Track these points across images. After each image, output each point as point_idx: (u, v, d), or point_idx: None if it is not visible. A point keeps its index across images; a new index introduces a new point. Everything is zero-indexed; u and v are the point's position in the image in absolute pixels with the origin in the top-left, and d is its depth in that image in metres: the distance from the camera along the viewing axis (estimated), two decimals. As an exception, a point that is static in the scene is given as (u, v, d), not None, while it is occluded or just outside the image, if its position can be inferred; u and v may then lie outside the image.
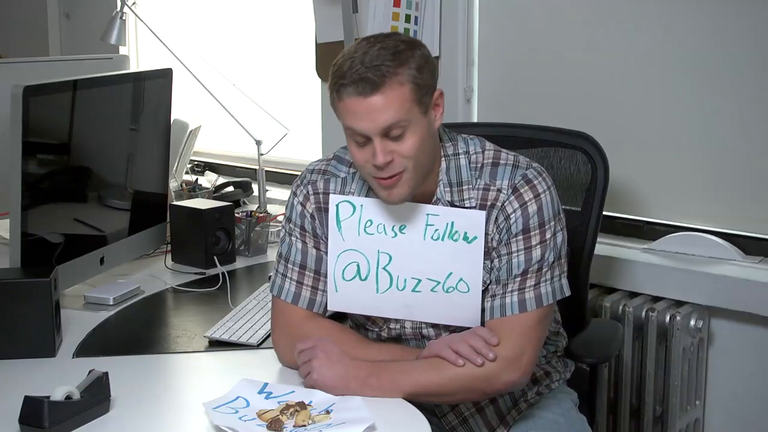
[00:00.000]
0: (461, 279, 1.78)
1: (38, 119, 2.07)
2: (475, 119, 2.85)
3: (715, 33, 2.42)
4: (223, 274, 2.45)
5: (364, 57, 1.67)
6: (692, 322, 2.41)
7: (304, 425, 1.61)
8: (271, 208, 3.03)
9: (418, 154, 1.71)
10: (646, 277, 2.47)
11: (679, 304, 2.45)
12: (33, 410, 1.58)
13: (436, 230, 1.79)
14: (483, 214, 1.77)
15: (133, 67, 3.57)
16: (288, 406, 1.66)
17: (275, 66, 3.51)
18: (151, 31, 3.09)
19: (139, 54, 3.95)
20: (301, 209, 1.88)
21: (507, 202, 1.76)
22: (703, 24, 2.43)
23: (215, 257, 2.53)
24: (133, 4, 3.18)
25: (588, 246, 2.20)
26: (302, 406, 1.66)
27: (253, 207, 3.03)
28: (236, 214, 2.67)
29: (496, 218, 1.77)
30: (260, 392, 1.73)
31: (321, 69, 3.08)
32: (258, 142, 3.01)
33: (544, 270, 1.76)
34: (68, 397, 1.62)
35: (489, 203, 1.77)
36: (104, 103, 2.36)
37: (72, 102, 2.22)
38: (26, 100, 2.01)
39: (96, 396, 1.66)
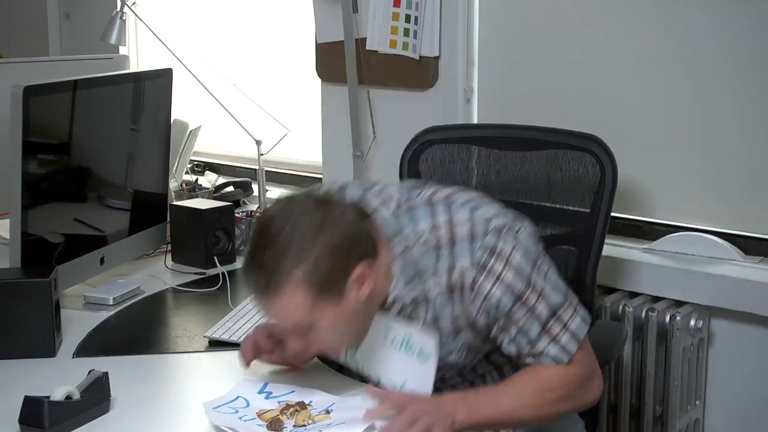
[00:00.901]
0: (414, 391, 1.68)
1: (38, 119, 2.07)
2: (475, 119, 2.85)
3: (715, 33, 2.42)
4: (223, 274, 2.45)
5: (258, 249, 1.55)
6: (692, 322, 2.41)
7: (304, 425, 1.61)
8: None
9: (337, 339, 1.64)
10: (646, 277, 2.47)
11: (679, 304, 2.45)
12: (33, 410, 1.58)
13: (395, 337, 1.69)
14: (436, 339, 1.65)
15: (133, 67, 3.57)
16: (288, 406, 1.66)
17: (275, 66, 3.51)
18: (151, 31, 3.09)
19: (139, 54, 3.94)
20: None
21: (479, 282, 1.61)
22: (702, 24, 2.43)
23: (215, 257, 2.53)
24: (133, 4, 3.18)
25: (595, 248, 2.20)
26: (302, 405, 1.66)
27: (253, 207, 3.04)
28: (236, 214, 2.68)
29: (473, 298, 1.63)
30: (260, 392, 1.73)
31: (321, 69, 3.09)
32: (258, 142, 3.01)
33: (561, 312, 1.66)
34: (68, 397, 1.62)
35: (456, 286, 1.64)
36: (104, 103, 2.36)
37: (72, 102, 2.22)
38: (26, 100, 2.01)
39: (96, 396, 1.67)
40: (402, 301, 1.67)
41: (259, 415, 1.64)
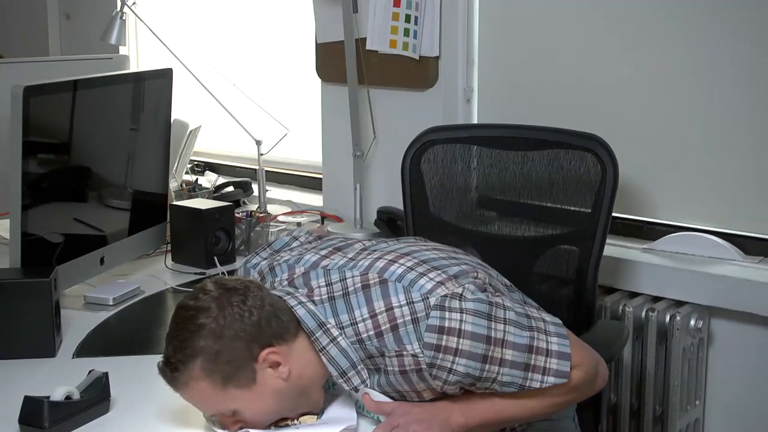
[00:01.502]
0: None
1: (38, 119, 2.07)
2: (475, 119, 2.85)
3: (716, 33, 2.42)
4: (223, 274, 2.45)
5: (167, 343, 1.56)
6: (692, 322, 2.41)
7: (287, 424, 1.61)
8: (271, 208, 3.03)
9: (267, 418, 1.59)
10: (646, 277, 2.47)
11: (679, 304, 2.45)
12: (33, 410, 1.58)
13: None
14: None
15: (133, 67, 3.57)
16: None
17: (275, 66, 3.51)
18: (151, 31, 3.09)
19: (139, 54, 3.95)
20: None
21: (438, 360, 1.55)
22: (703, 23, 2.43)
23: (215, 257, 2.53)
24: (133, 4, 3.18)
25: (597, 248, 2.20)
26: None
27: (253, 207, 3.04)
28: (236, 214, 2.68)
29: (435, 376, 1.57)
30: None
31: (321, 69, 3.09)
32: (258, 142, 3.01)
33: (536, 344, 1.59)
34: (68, 397, 1.62)
35: (411, 368, 1.58)
36: (104, 103, 2.36)
37: (72, 102, 2.22)
38: (26, 100, 2.01)
39: (96, 396, 1.67)
40: (355, 389, 1.62)
41: None
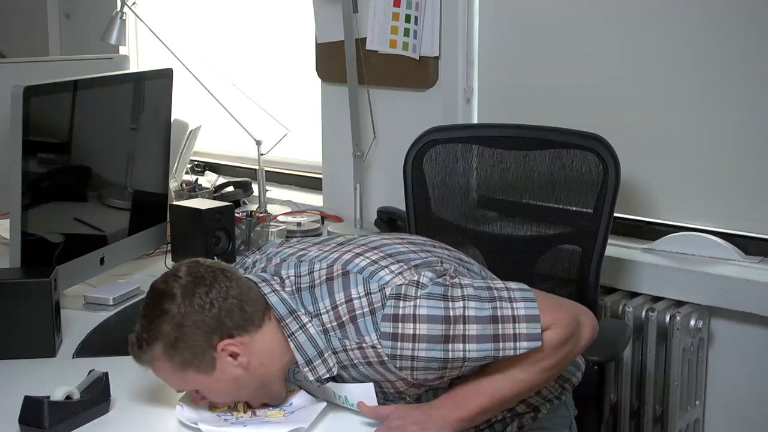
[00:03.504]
0: None
1: (38, 119, 2.06)
2: (475, 119, 2.85)
3: (717, 33, 2.42)
4: (223, 274, 2.45)
5: (136, 322, 1.63)
6: (692, 322, 2.41)
7: (244, 415, 1.64)
8: (271, 208, 3.03)
9: (233, 397, 1.65)
10: (646, 277, 2.47)
11: (679, 304, 2.45)
12: (33, 410, 1.58)
13: (337, 393, 1.67)
14: (371, 385, 1.62)
15: (133, 67, 3.57)
16: None
17: (275, 66, 3.51)
18: (151, 31, 3.09)
19: (139, 54, 3.95)
20: None
21: (398, 350, 1.56)
22: (704, 23, 2.43)
23: (215, 257, 2.52)
24: (133, 4, 3.18)
25: (598, 248, 2.21)
26: None
27: (253, 207, 3.03)
28: (236, 214, 2.67)
29: (400, 366, 1.58)
30: None
31: (321, 69, 3.08)
32: (258, 142, 3.01)
33: (500, 313, 1.58)
34: (68, 397, 1.62)
35: (374, 360, 1.59)
36: (104, 103, 2.36)
37: (72, 102, 2.21)
38: (26, 100, 2.00)
39: (96, 396, 1.67)
40: (320, 378, 1.62)
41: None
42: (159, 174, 2.61)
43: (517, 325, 1.58)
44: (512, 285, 1.64)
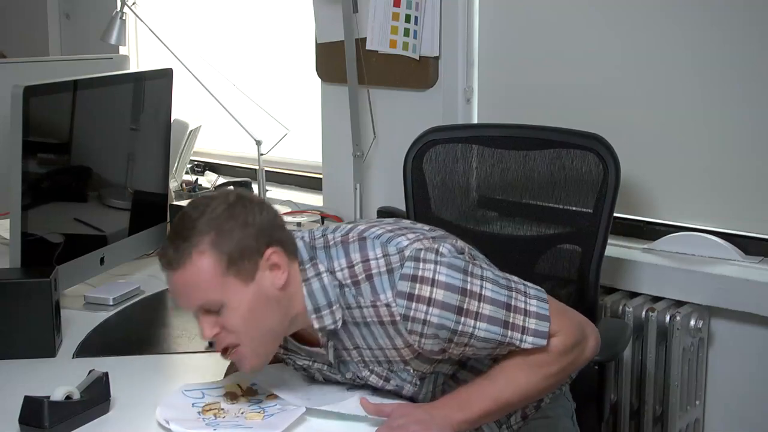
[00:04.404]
0: None
1: (38, 119, 2.07)
2: (475, 119, 2.85)
3: (717, 33, 2.42)
4: (223, 274, 2.45)
5: (176, 225, 1.58)
6: (692, 322, 2.41)
7: (222, 414, 1.64)
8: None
9: (251, 325, 1.56)
10: (646, 277, 2.47)
11: (679, 304, 2.45)
12: (33, 410, 1.58)
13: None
14: (356, 396, 1.65)
15: (133, 67, 3.57)
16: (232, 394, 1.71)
17: (275, 66, 3.51)
18: (151, 31, 3.09)
19: (139, 54, 3.95)
20: None
21: (411, 311, 1.56)
22: (704, 23, 2.43)
23: (215, 257, 2.52)
24: (133, 4, 3.18)
25: (598, 247, 2.21)
26: (250, 392, 1.71)
27: (253, 207, 3.03)
28: (236, 214, 2.67)
29: (410, 329, 1.58)
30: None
31: (321, 69, 3.08)
32: (258, 142, 3.01)
33: (514, 303, 1.60)
34: (68, 397, 1.62)
35: (386, 319, 1.59)
36: (104, 103, 2.36)
37: (72, 102, 2.22)
38: (26, 100, 2.01)
39: (96, 396, 1.67)
40: (324, 329, 1.62)
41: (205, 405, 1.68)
42: (159, 174, 2.61)
43: (527, 318, 1.60)
44: (528, 283, 1.66)
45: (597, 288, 2.24)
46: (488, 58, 2.81)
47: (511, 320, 1.59)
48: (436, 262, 1.58)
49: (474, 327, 1.58)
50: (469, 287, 1.58)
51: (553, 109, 2.64)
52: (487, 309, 1.58)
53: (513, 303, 1.60)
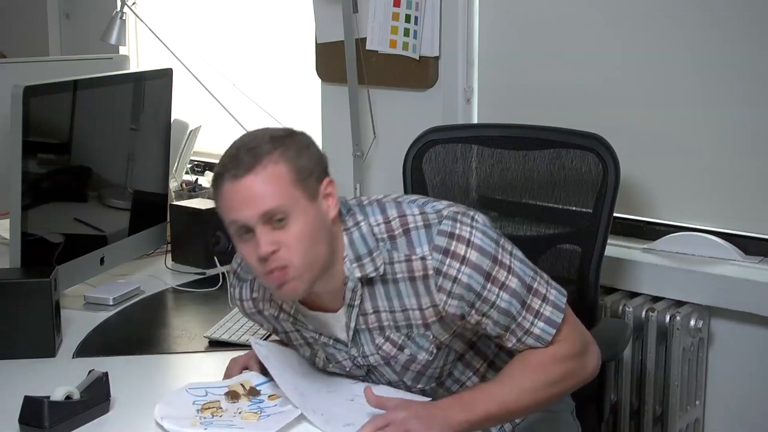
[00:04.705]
0: None
1: (38, 119, 2.07)
2: (475, 119, 2.85)
3: (717, 33, 2.42)
4: (223, 274, 2.45)
5: (240, 144, 1.60)
6: (692, 322, 2.41)
7: (220, 413, 1.64)
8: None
9: (307, 246, 1.56)
10: (646, 277, 2.47)
11: (679, 304, 2.45)
12: (33, 410, 1.58)
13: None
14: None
15: (133, 67, 3.57)
16: (234, 393, 1.71)
17: (275, 66, 3.51)
18: (151, 31, 3.09)
19: (139, 54, 3.94)
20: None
21: (445, 266, 1.60)
22: (704, 23, 2.43)
23: (215, 257, 2.53)
24: (133, 4, 3.18)
25: (598, 247, 2.21)
26: (253, 392, 1.71)
27: (253, 207, 3.03)
28: (236, 214, 2.67)
29: (440, 286, 1.61)
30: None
31: (321, 69, 3.08)
32: (258, 142, 3.00)
33: (536, 286, 1.65)
34: (68, 397, 1.62)
35: (418, 274, 1.62)
36: (104, 103, 2.36)
37: (72, 102, 2.22)
38: (26, 100, 2.01)
39: (96, 396, 1.67)
40: (353, 279, 1.63)
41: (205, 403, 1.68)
42: (159, 174, 2.62)
43: (544, 305, 1.65)
44: (551, 280, 1.70)
45: (597, 288, 2.24)
46: (488, 58, 2.81)
47: (528, 301, 1.64)
48: (472, 226, 1.62)
49: (497, 296, 1.61)
50: (499, 257, 1.62)
51: (553, 109, 2.64)
52: (512, 282, 1.62)
53: (535, 286, 1.65)
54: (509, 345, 1.67)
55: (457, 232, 1.61)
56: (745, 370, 2.43)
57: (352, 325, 1.68)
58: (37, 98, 2.05)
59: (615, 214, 2.25)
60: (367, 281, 1.65)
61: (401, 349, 1.69)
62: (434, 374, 1.74)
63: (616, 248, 2.51)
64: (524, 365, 1.66)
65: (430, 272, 1.61)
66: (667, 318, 2.41)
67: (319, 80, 3.12)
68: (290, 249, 1.56)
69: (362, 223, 1.65)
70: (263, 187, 1.55)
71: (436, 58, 2.81)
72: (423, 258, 1.61)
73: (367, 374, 1.76)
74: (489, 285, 1.61)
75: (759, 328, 2.37)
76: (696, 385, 2.48)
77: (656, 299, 2.49)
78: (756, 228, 2.44)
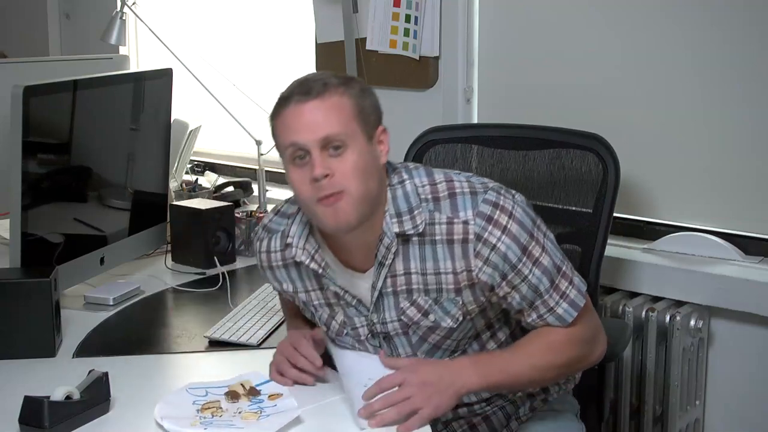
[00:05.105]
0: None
1: (38, 119, 2.07)
2: (475, 119, 2.85)
3: (717, 33, 2.42)
4: (223, 274, 2.45)
5: (308, 76, 1.69)
6: (692, 322, 2.41)
7: (220, 413, 1.64)
8: (271, 208, 3.03)
9: (360, 177, 1.61)
10: (646, 277, 2.47)
11: (679, 304, 2.45)
12: (33, 410, 1.58)
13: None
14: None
15: (133, 67, 3.57)
16: (234, 393, 1.71)
17: (275, 66, 3.51)
18: (151, 31, 3.09)
19: (139, 54, 3.95)
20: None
21: (486, 232, 1.64)
22: (704, 23, 2.43)
23: (215, 257, 2.53)
24: (133, 4, 3.18)
25: (598, 247, 2.21)
26: (253, 392, 1.71)
27: (253, 207, 3.03)
28: (236, 214, 2.67)
29: (478, 251, 1.65)
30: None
31: (321, 69, 3.08)
32: (258, 142, 3.01)
33: (564, 268, 1.71)
34: (68, 397, 1.62)
35: (458, 237, 1.66)
36: (104, 103, 2.36)
37: (72, 102, 2.22)
38: (26, 100, 2.01)
39: (96, 396, 1.67)
40: (390, 235, 1.67)
41: (205, 403, 1.68)
42: (159, 174, 2.61)
43: (570, 287, 1.71)
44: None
45: (597, 288, 2.24)
46: (488, 58, 2.81)
47: (557, 281, 1.70)
48: (514, 201, 1.68)
49: (530, 271, 1.67)
50: (535, 234, 1.68)
51: (553, 109, 2.64)
52: (545, 260, 1.68)
53: (564, 268, 1.71)
54: (528, 320, 1.72)
55: (501, 203, 1.66)
56: (745, 370, 2.43)
57: (379, 285, 1.71)
58: (37, 98, 2.05)
59: (615, 214, 2.25)
60: (403, 240, 1.68)
61: (426, 314, 1.72)
62: (449, 348, 1.76)
63: (616, 248, 2.51)
64: (543, 343, 1.71)
65: (471, 237, 1.65)
66: (667, 318, 2.41)
67: (319, 80, 3.11)
68: (345, 176, 1.61)
69: (407, 182, 1.70)
70: (327, 113, 1.61)
71: (436, 58, 2.81)
72: (466, 222, 1.65)
73: (379, 347, 1.77)
74: (524, 258, 1.66)
75: (759, 328, 2.37)
76: (696, 385, 2.48)
77: (656, 299, 2.49)
78: (756, 228, 2.44)
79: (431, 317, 1.71)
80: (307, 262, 1.74)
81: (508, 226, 1.65)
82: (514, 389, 1.81)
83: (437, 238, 1.67)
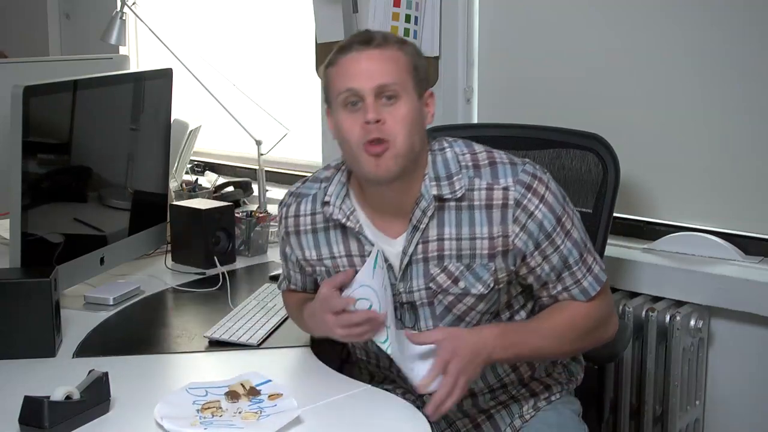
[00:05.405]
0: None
1: (38, 119, 2.07)
2: (475, 119, 2.85)
3: (717, 33, 2.42)
4: (223, 274, 2.45)
5: (367, 29, 1.76)
6: (692, 322, 2.41)
7: (220, 413, 1.64)
8: (271, 208, 3.03)
9: (408, 130, 1.68)
10: (646, 277, 2.47)
11: (679, 304, 2.45)
12: (33, 410, 1.58)
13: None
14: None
15: (133, 67, 3.57)
16: (234, 393, 1.71)
17: (275, 66, 3.51)
18: (151, 31, 3.09)
19: (139, 54, 3.95)
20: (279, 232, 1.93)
21: (525, 199, 1.71)
22: (704, 23, 2.43)
23: (215, 257, 2.53)
24: (133, 4, 3.18)
25: (598, 247, 2.21)
26: (253, 392, 1.71)
27: (253, 207, 3.03)
28: (236, 214, 2.67)
29: (516, 217, 1.71)
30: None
31: (321, 69, 3.08)
32: (258, 142, 3.01)
33: (589, 245, 1.80)
34: (68, 397, 1.62)
35: (497, 202, 1.72)
36: (104, 103, 2.36)
37: (72, 102, 2.22)
38: (26, 100, 2.01)
39: (96, 396, 1.67)
40: (427, 198, 1.72)
41: (205, 403, 1.68)
42: (159, 174, 2.61)
43: (596, 262, 1.80)
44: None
45: (597, 288, 2.23)
46: (488, 58, 2.81)
47: (584, 255, 1.77)
48: (548, 177, 1.76)
49: (562, 242, 1.74)
50: (567, 209, 1.76)
51: (553, 108, 2.64)
52: (575, 234, 1.76)
53: (589, 245, 1.80)
54: (553, 292, 1.77)
55: (538, 174, 1.74)
56: (745, 370, 2.43)
57: (410, 250, 1.74)
58: (37, 98, 2.05)
59: (615, 214, 2.25)
60: (438, 206, 1.72)
61: (455, 281, 1.74)
62: (472, 321, 1.78)
63: (616, 248, 2.51)
64: (567, 316, 1.77)
65: (510, 202, 1.71)
66: (667, 318, 2.41)
67: (319, 80, 3.12)
68: (395, 125, 1.67)
69: (447, 150, 1.76)
70: (385, 63, 1.68)
71: (436, 58, 2.81)
72: (506, 188, 1.71)
73: (401, 319, 1.79)
74: (558, 228, 1.73)
75: (759, 328, 2.37)
76: (696, 385, 2.48)
77: (656, 299, 2.49)
78: (756, 228, 2.44)
79: (461, 284, 1.74)
80: (343, 220, 1.77)
81: (546, 196, 1.72)
82: (533, 360, 1.86)
83: (476, 203, 1.72)
